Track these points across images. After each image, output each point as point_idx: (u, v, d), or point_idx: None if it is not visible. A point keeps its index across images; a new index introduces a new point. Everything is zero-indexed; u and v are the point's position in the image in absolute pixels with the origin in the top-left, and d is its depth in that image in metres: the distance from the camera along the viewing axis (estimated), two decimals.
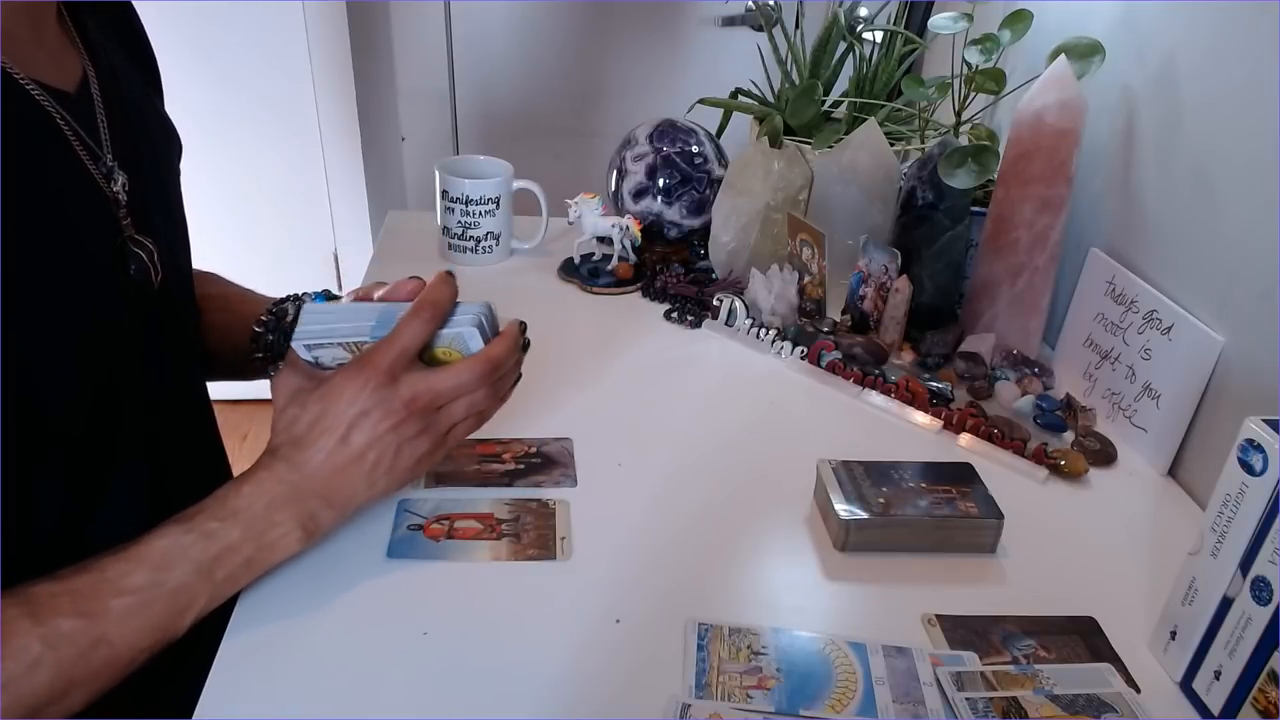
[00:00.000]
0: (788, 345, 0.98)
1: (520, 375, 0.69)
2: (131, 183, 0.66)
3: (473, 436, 0.79)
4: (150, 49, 0.81)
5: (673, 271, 1.12)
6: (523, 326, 0.67)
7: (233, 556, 0.58)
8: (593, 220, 1.11)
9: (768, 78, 1.27)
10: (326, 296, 0.82)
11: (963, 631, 0.65)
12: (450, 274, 0.65)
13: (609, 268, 1.12)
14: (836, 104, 1.21)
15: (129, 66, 0.75)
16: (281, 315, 0.82)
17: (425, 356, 0.64)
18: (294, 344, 0.64)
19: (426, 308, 0.63)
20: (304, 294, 0.84)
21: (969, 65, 0.99)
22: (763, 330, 0.99)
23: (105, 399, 0.64)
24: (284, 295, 0.85)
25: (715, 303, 1.02)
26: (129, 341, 0.67)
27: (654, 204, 1.13)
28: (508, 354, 0.65)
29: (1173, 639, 0.62)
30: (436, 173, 1.12)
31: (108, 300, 0.64)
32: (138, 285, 0.67)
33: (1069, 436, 0.88)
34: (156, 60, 0.81)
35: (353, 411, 0.61)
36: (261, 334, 0.81)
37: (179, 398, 0.77)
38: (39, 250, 0.58)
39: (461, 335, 0.64)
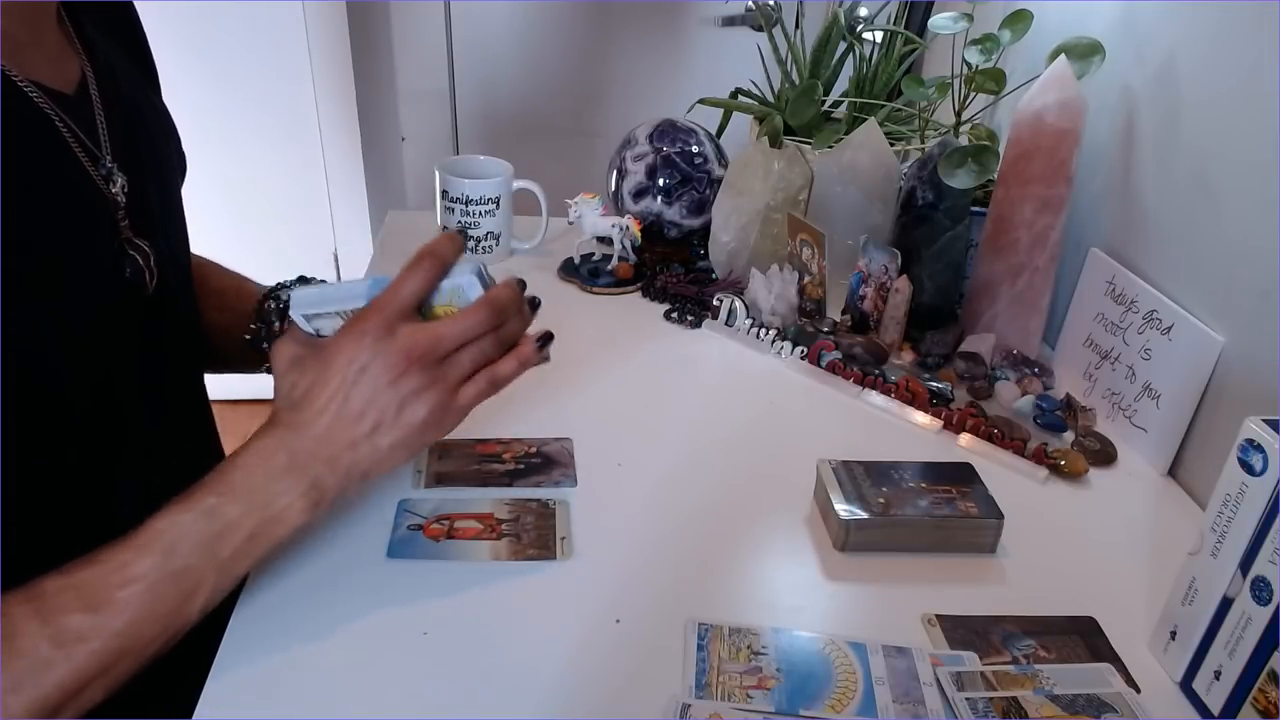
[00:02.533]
0: (788, 345, 0.98)
1: (551, 336, 0.65)
2: (131, 184, 0.66)
3: (473, 436, 0.80)
4: (148, 46, 0.81)
5: (673, 271, 1.12)
6: (522, 284, 0.64)
7: (235, 533, 0.56)
8: (593, 220, 1.11)
9: (768, 78, 1.27)
10: (303, 282, 0.82)
11: (963, 631, 0.65)
12: (459, 233, 0.62)
13: (609, 268, 1.12)
14: (836, 104, 1.21)
15: (128, 66, 0.75)
16: (269, 323, 0.81)
17: (425, 314, 0.62)
18: (292, 314, 0.63)
19: (427, 258, 0.60)
20: (282, 283, 0.84)
21: (969, 65, 0.99)
22: (763, 330, 0.99)
23: (103, 401, 0.64)
24: (264, 294, 0.84)
25: (715, 303, 1.02)
26: (126, 343, 0.66)
27: (654, 204, 1.13)
28: (510, 298, 0.62)
29: (1173, 639, 0.62)
30: (436, 173, 1.12)
31: (105, 302, 0.64)
32: (134, 287, 0.66)
33: (1069, 436, 0.88)
34: (154, 59, 0.81)
35: (352, 369, 0.58)
36: (253, 341, 0.81)
37: (178, 398, 0.77)
38: (37, 253, 0.58)
39: (461, 286, 0.61)
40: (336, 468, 0.59)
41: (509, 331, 0.63)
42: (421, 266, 0.60)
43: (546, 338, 0.65)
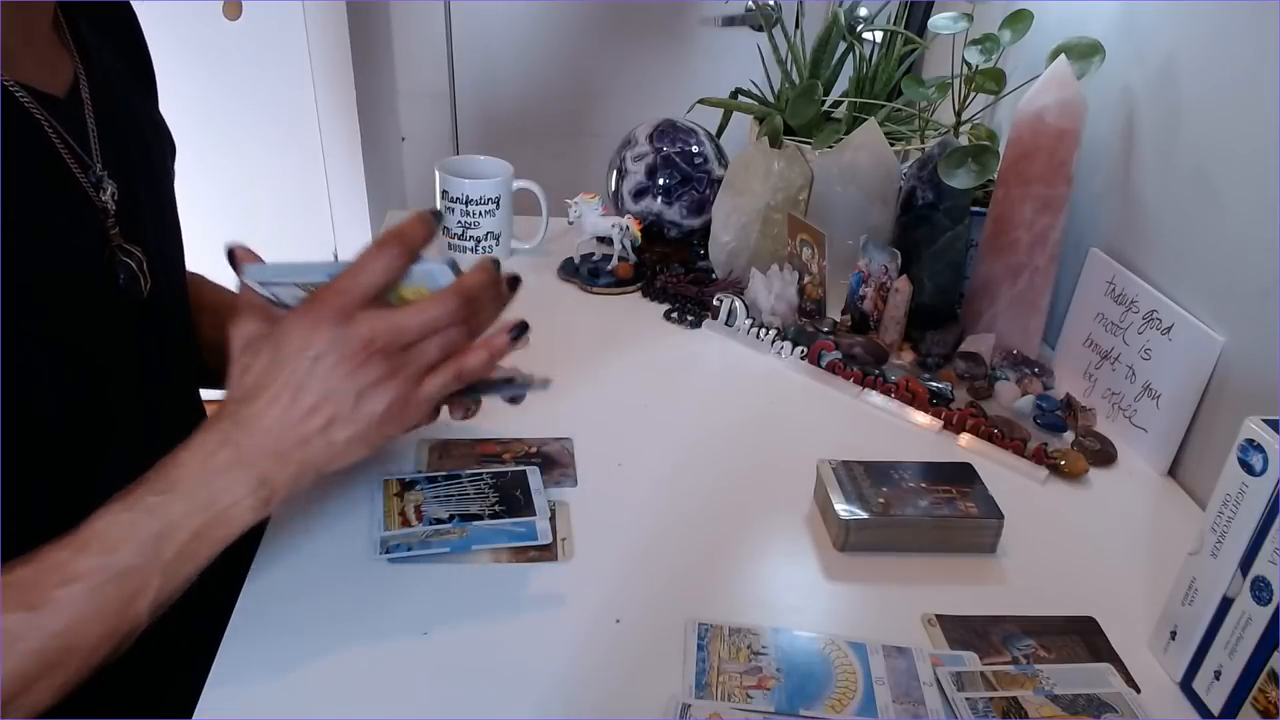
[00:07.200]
0: (788, 345, 0.97)
1: (528, 327, 0.60)
2: (121, 190, 0.65)
3: (473, 436, 0.80)
4: (146, 50, 0.79)
5: (673, 271, 1.12)
6: (496, 263, 0.59)
7: (177, 532, 0.53)
8: (593, 220, 1.11)
9: (768, 78, 1.27)
10: None
11: (963, 631, 0.65)
12: (434, 214, 0.57)
13: (609, 268, 1.11)
14: (836, 104, 1.21)
15: (122, 68, 0.74)
16: None
17: (391, 298, 0.57)
18: (246, 280, 0.58)
19: (393, 241, 0.55)
20: None
21: (969, 65, 0.99)
22: (763, 330, 0.99)
23: (98, 408, 0.64)
24: None
25: (715, 303, 1.02)
26: (120, 350, 0.66)
27: (654, 204, 1.13)
28: (482, 285, 0.57)
29: (1173, 639, 0.62)
30: (436, 173, 1.12)
31: (97, 310, 0.63)
32: (127, 295, 0.66)
33: (1069, 436, 0.88)
34: (152, 62, 0.80)
35: (305, 358, 0.54)
36: None
37: (173, 405, 0.76)
38: (25, 262, 0.57)
39: (431, 272, 0.56)
40: (287, 464, 0.55)
41: (482, 319, 0.59)
42: (387, 251, 0.55)
43: (521, 327, 0.61)
